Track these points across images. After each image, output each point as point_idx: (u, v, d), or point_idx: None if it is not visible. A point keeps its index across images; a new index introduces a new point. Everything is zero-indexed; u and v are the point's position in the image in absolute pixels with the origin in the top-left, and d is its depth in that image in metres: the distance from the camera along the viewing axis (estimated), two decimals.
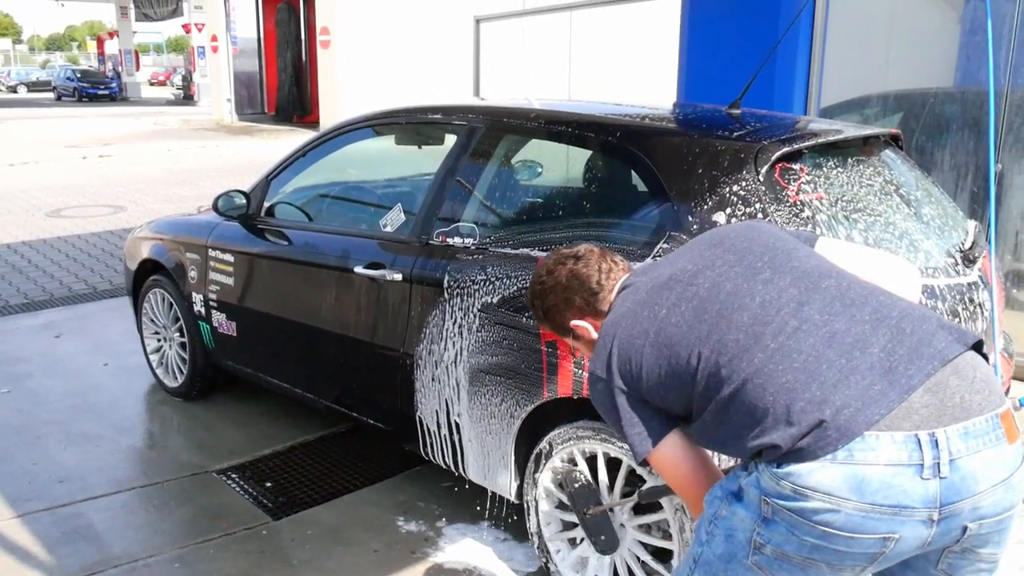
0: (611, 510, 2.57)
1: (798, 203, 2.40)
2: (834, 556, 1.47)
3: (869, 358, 1.49)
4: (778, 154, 2.47)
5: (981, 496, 1.43)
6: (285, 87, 24.52)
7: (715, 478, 1.71)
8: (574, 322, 1.92)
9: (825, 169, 2.59)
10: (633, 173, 2.85)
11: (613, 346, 1.72)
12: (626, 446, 2.47)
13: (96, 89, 38.16)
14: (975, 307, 2.62)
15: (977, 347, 1.56)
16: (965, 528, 1.46)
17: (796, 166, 2.50)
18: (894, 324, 1.54)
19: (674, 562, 2.52)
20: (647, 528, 2.60)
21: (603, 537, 2.56)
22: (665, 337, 1.65)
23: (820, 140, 2.63)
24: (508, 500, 3.00)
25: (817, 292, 1.60)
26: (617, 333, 1.73)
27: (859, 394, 1.45)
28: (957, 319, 2.51)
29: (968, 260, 2.69)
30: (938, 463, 1.40)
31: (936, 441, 1.41)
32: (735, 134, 2.57)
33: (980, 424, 1.44)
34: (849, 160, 2.69)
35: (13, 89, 45.85)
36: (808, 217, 2.38)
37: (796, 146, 2.52)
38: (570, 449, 2.67)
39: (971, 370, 1.50)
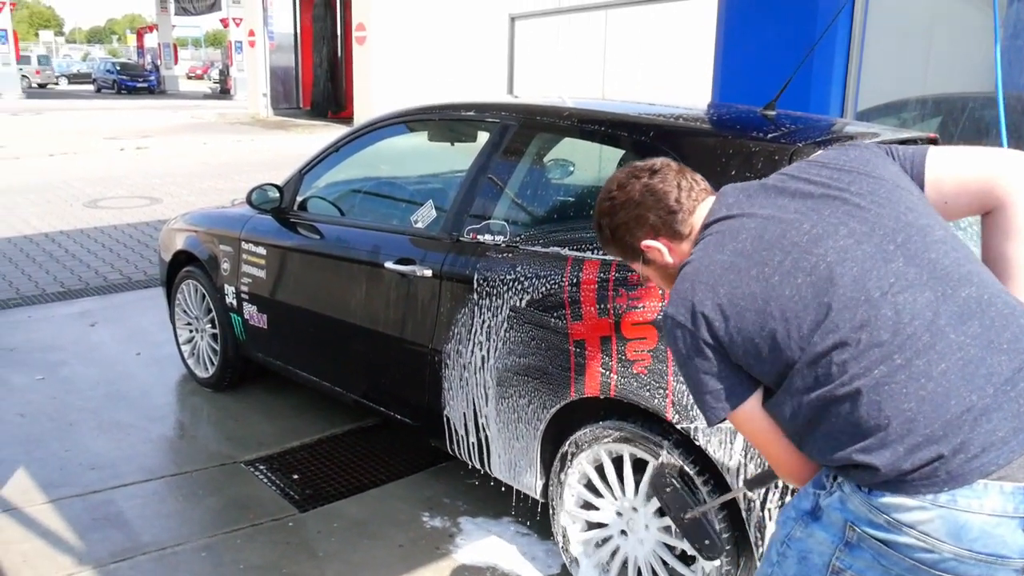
0: (707, 514, 2.37)
1: None
2: None
3: (1000, 398, 1.37)
4: (812, 156, 2.44)
5: None
6: (320, 83, 24.69)
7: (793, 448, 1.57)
8: (646, 242, 1.69)
9: None
10: None
11: (707, 296, 1.52)
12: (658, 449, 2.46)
13: (135, 82, 38.68)
14: None
15: None
16: None
17: None
18: None
19: (697, 564, 2.50)
20: (672, 530, 2.58)
21: (707, 542, 2.33)
22: (777, 309, 1.46)
23: (856, 143, 2.59)
24: (533, 498, 2.99)
25: (954, 301, 1.43)
26: (715, 283, 1.52)
27: (982, 440, 1.35)
28: None
29: None
30: None
31: None
32: (769, 135, 2.55)
33: None
34: None
35: (55, 81, 46.48)
36: None
37: (831, 148, 2.49)
38: (596, 449, 2.66)
39: None
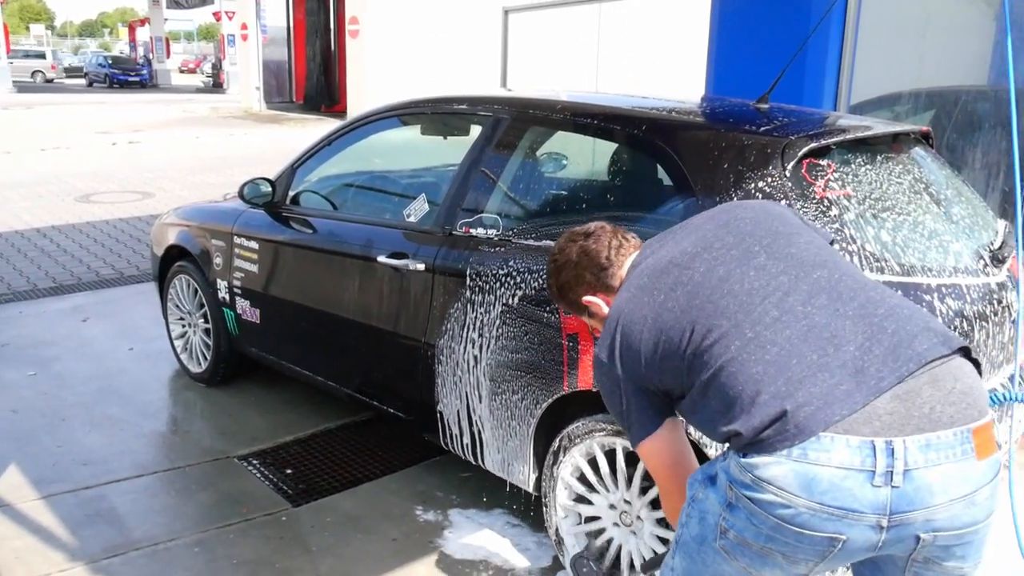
0: None
1: (825, 199, 2.37)
2: (787, 548, 1.49)
3: (842, 355, 1.49)
4: (805, 149, 2.44)
5: (935, 509, 1.41)
6: (313, 76, 24.63)
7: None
8: (586, 298, 1.94)
9: (853, 166, 2.56)
10: (659, 167, 2.83)
11: (617, 332, 1.74)
12: None
13: (127, 76, 38.51)
14: (1003, 308, 2.58)
15: (966, 353, 1.54)
16: (918, 538, 1.44)
17: (824, 162, 2.47)
18: (877, 322, 1.53)
19: None
20: (665, 522, 2.58)
21: None
22: (661, 322, 1.66)
23: (848, 136, 2.59)
24: (526, 492, 3.00)
25: (806, 282, 1.61)
26: (620, 318, 1.74)
27: (823, 392, 1.45)
28: (985, 320, 2.47)
29: (997, 260, 2.65)
30: (891, 472, 1.40)
31: (892, 450, 1.40)
32: (762, 128, 2.55)
33: (946, 437, 1.41)
34: (878, 157, 2.66)
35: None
36: (835, 215, 2.35)
37: (824, 142, 2.49)
38: (589, 442, 2.66)
39: (951, 380, 1.47)
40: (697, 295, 1.64)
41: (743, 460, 1.50)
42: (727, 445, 1.58)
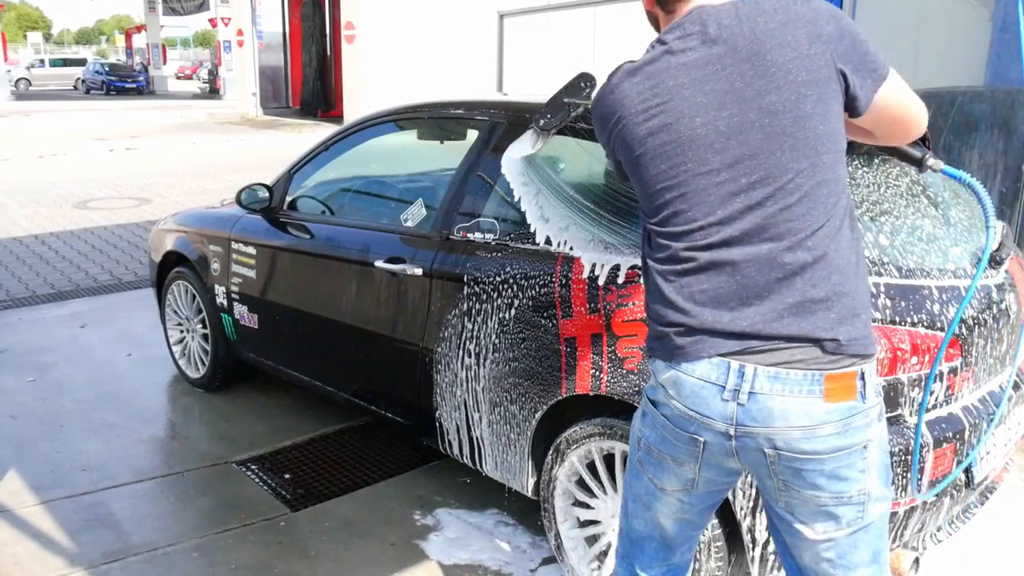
0: None
1: None
2: (672, 448, 1.69)
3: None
4: None
5: (775, 431, 1.57)
6: (310, 82, 24.62)
7: None
8: None
9: (850, 168, 2.56)
10: None
11: None
12: None
13: (124, 82, 38.48)
14: (1002, 309, 2.58)
15: None
16: (764, 453, 1.60)
17: None
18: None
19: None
20: None
21: None
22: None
23: None
24: (525, 496, 3.00)
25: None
26: None
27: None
28: (983, 322, 2.48)
29: (995, 261, 2.65)
30: (738, 391, 1.57)
31: (743, 373, 1.56)
32: None
33: (795, 375, 1.55)
34: (875, 160, 2.66)
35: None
36: None
37: None
38: (587, 447, 2.66)
39: None
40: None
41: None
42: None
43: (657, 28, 1.76)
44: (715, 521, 2.40)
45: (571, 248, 2.62)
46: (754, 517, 2.31)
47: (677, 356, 1.62)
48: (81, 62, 43.73)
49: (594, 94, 1.74)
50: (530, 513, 3.24)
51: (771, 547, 2.31)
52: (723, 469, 1.69)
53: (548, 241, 2.62)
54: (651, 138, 1.62)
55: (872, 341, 1.60)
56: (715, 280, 1.58)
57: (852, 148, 2.62)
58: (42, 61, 44.68)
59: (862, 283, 1.62)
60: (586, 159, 2.82)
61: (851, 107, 1.61)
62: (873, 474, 1.62)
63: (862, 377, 1.58)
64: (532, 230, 2.61)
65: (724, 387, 1.58)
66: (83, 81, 39.64)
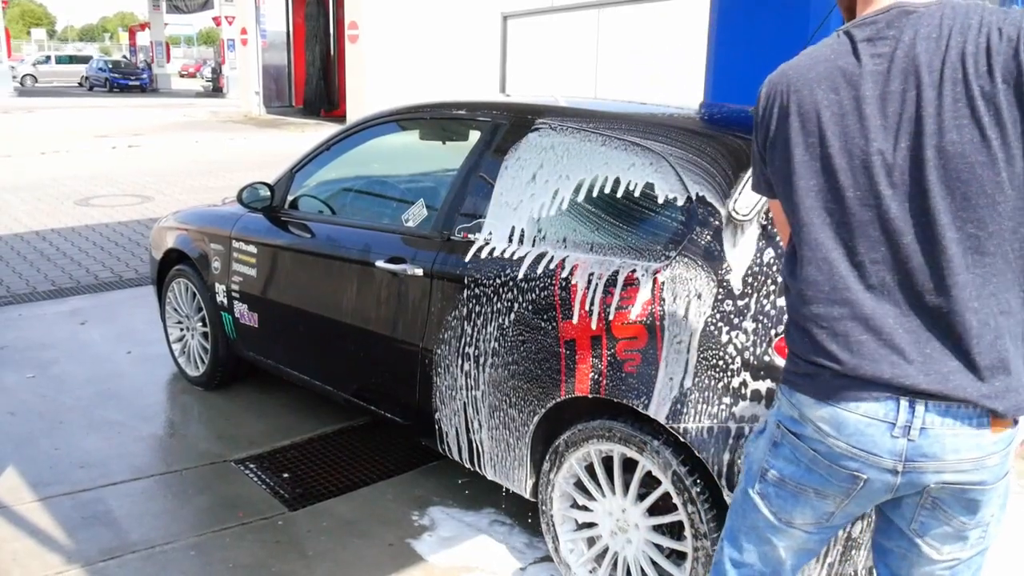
0: None
1: None
2: (820, 482, 1.60)
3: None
4: None
5: (946, 465, 1.50)
6: (313, 81, 24.66)
7: None
8: None
9: None
10: (659, 175, 2.83)
11: None
12: (646, 449, 2.47)
13: (127, 80, 38.54)
14: None
15: None
16: (927, 486, 1.53)
17: None
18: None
19: (687, 564, 2.51)
20: (661, 529, 2.58)
21: None
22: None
23: None
24: (522, 497, 2.99)
25: None
26: None
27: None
28: None
29: None
30: (909, 427, 1.49)
31: (914, 409, 1.48)
32: None
33: (966, 409, 1.47)
34: None
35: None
36: None
37: None
38: (586, 449, 2.66)
39: None
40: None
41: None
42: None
43: (851, 12, 1.62)
44: (714, 512, 2.40)
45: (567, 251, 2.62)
46: None
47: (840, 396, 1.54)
48: (87, 59, 43.72)
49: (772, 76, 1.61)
50: (527, 514, 3.24)
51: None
52: (869, 503, 1.63)
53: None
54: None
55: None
56: None
57: None
58: (48, 58, 44.67)
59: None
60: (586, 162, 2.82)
61: None
62: (1004, 498, 1.60)
63: None
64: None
65: (895, 424, 1.49)
66: (87, 78, 39.69)
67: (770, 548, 1.73)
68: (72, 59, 44.73)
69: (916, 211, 1.43)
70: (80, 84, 39.97)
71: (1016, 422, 1.51)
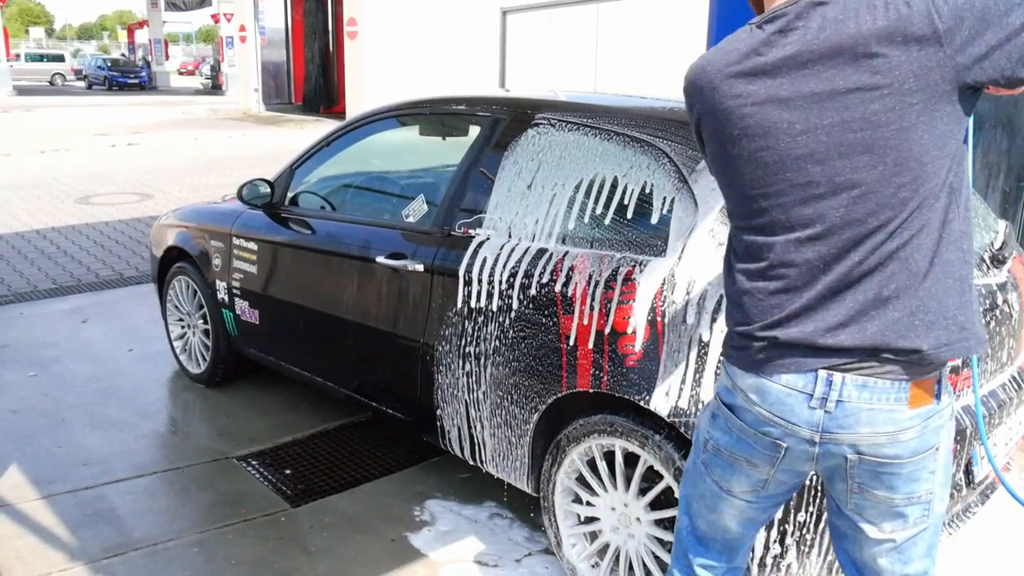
0: None
1: None
2: (749, 451, 1.67)
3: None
4: None
5: (860, 438, 1.56)
6: (312, 78, 24.63)
7: None
8: None
9: None
10: (657, 169, 2.83)
11: None
12: (647, 444, 2.46)
13: (126, 78, 38.53)
14: (1004, 308, 2.58)
15: None
16: (845, 459, 1.60)
17: None
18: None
19: None
20: (663, 523, 2.58)
21: None
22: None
23: None
24: (524, 492, 3.00)
25: None
26: None
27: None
28: (986, 322, 2.47)
29: (998, 261, 2.65)
30: (826, 399, 1.55)
31: (831, 382, 1.54)
32: None
33: (883, 384, 1.53)
34: None
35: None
36: None
37: None
38: (587, 444, 2.66)
39: None
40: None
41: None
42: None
43: (759, 6, 1.67)
44: None
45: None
46: None
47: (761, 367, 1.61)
48: (59, 58, 43.59)
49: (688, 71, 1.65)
50: (527, 508, 3.24)
51: (771, 553, 2.31)
52: (796, 472, 1.69)
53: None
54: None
55: (965, 346, 1.54)
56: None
57: None
58: (18, 56, 44.39)
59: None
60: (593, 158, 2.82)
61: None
62: (940, 474, 1.63)
63: (939, 379, 1.58)
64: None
65: (812, 395, 1.56)
66: (85, 76, 39.61)
67: (717, 516, 1.81)
68: (44, 58, 44.54)
69: (846, 184, 1.48)
70: (51, 83, 39.71)
71: (938, 398, 1.56)
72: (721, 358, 1.74)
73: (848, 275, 1.50)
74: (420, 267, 3.10)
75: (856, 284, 1.50)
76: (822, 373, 1.54)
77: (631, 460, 2.61)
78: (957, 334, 1.51)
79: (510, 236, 2.89)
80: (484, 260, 2.90)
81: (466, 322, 2.96)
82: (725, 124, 1.57)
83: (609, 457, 2.67)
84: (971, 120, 1.55)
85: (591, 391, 2.59)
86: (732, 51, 1.57)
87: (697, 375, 2.34)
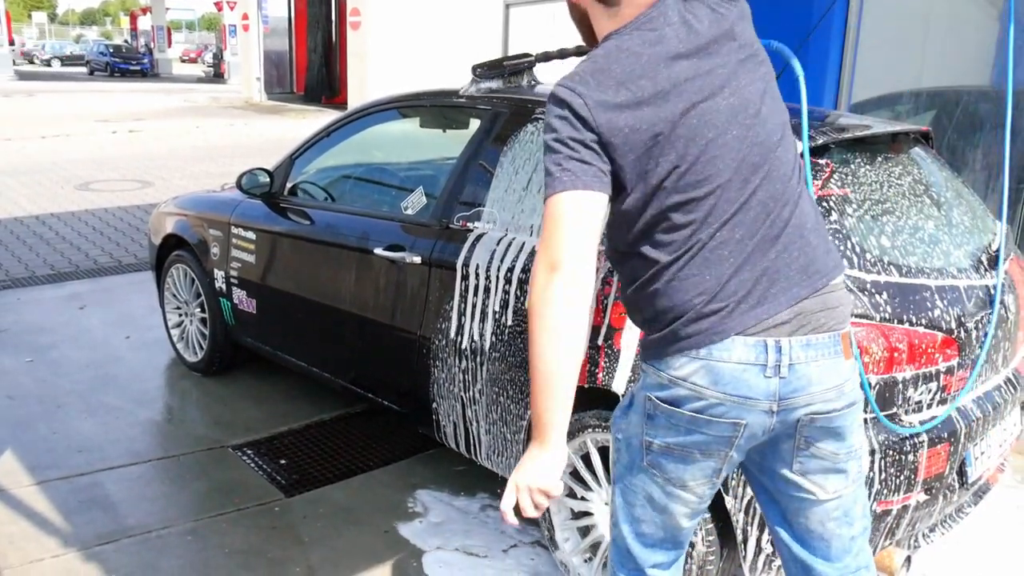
0: None
1: (823, 199, 2.37)
2: (703, 440, 1.65)
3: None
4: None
5: (813, 396, 1.62)
6: (314, 68, 24.58)
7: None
8: None
9: (852, 165, 2.56)
10: None
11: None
12: None
13: (128, 64, 38.47)
14: (1001, 309, 2.58)
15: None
16: (798, 420, 1.65)
17: (822, 161, 2.47)
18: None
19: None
20: None
21: None
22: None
23: (847, 135, 2.59)
24: None
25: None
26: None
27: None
28: (983, 322, 2.47)
29: (995, 262, 2.64)
30: (779, 365, 1.59)
31: (780, 347, 1.59)
32: None
33: (822, 338, 1.62)
34: (877, 157, 2.65)
35: (47, 62, 46.23)
36: (833, 215, 2.35)
37: (822, 141, 2.49)
38: (582, 438, 2.66)
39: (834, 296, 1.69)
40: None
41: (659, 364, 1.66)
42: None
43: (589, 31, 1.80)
44: (708, 515, 2.40)
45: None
46: (747, 514, 2.31)
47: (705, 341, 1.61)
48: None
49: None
50: None
51: (763, 553, 2.31)
52: (745, 450, 1.70)
53: None
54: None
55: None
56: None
57: (854, 145, 2.62)
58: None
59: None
60: None
61: None
62: (862, 427, 1.76)
63: (850, 336, 1.70)
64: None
65: (765, 365, 1.59)
66: (88, 62, 39.47)
67: (667, 516, 1.78)
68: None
69: (738, 160, 1.60)
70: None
71: (856, 357, 1.75)
72: (644, 362, 1.71)
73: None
74: (418, 259, 3.10)
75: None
76: (770, 341, 1.59)
77: None
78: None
79: (508, 230, 2.88)
80: (482, 254, 2.90)
81: (462, 314, 2.96)
82: (629, 128, 1.64)
83: (604, 452, 2.67)
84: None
85: (586, 386, 2.59)
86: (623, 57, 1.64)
87: None
